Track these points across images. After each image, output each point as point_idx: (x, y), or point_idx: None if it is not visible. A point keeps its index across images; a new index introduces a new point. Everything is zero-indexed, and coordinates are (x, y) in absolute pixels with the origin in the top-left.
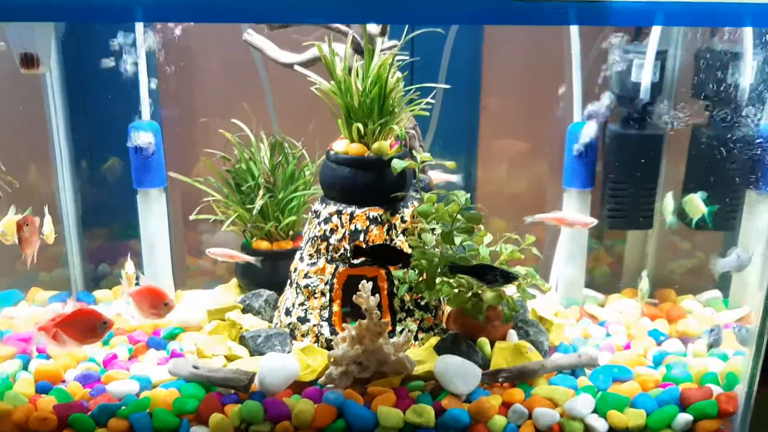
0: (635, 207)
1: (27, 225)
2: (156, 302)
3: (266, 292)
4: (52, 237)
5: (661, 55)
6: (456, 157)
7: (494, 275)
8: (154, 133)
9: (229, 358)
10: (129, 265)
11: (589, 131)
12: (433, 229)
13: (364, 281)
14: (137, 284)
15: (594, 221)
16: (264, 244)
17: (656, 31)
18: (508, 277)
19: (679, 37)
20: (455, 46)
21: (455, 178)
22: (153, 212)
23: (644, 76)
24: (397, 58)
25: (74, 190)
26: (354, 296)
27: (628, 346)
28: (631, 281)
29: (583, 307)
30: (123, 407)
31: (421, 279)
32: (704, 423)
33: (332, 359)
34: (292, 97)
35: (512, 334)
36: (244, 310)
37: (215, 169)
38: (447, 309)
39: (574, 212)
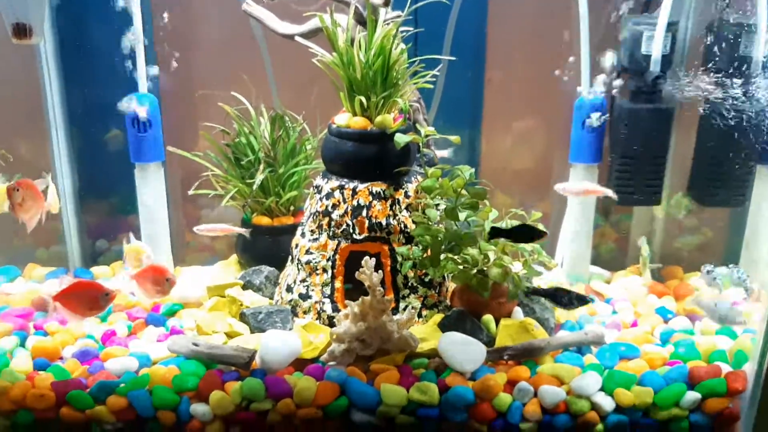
0: (643, 182)
1: (18, 190)
2: (158, 279)
3: (267, 269)
4: (57, 206)
5: (672, 27)
6: (460, 131)
7: (569, 298)
8: (151, 105)
9: (230, 335)
10: (134, 241)
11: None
12: (437, 205)
13: (367, 257)
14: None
15: (612, 194)
16: (264, 220)
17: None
18: (584, 300)
19: (690, 8)
20: (459, 18)
21: (447, 153)
22: (151, 187)
23: (655, 47)
24: (401, 29)
25: (71, 164)
26: (357, 273)
27: (635, 324)
28: (637, 257)
29: (589, 284)
30: (122, 384)
31: (425, 255)
32: (712, 401)
33: (335, 336)
34: (293, 70)
35: (518, 311)
36: (245, 287)
37: (214, 143)
38: (451, 286)
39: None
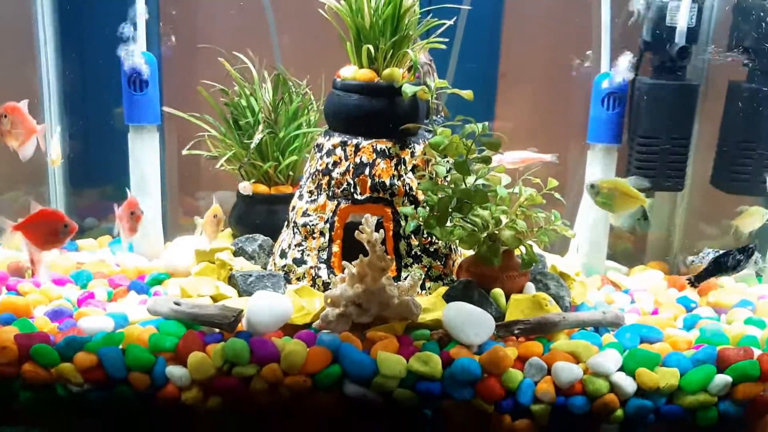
0: (664, 165)
1: (6, 116)
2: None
3: (261, 237)
4: (59, 160)
5: None
6: (473, 116)
7: (733, 259)
8: (150, 64)
9: (216, 299)
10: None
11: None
12: (447, 162)
13: (367, 215)
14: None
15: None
16: (261, 188)
17: None
18: (748, 251)
19: None
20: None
21: (550, 158)
22: (145, 150)
23: (681, 17)
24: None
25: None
26: (356, 232)
27: (655, 312)
28: (656, 255)
29: (606, 275)
30: (92, 341)
31: (431, 214)
32: (744, 386)
33: (329, 300)
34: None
35: (530, 286)
36: (236, 254)
37: (212, 101)
38: (458, 259)
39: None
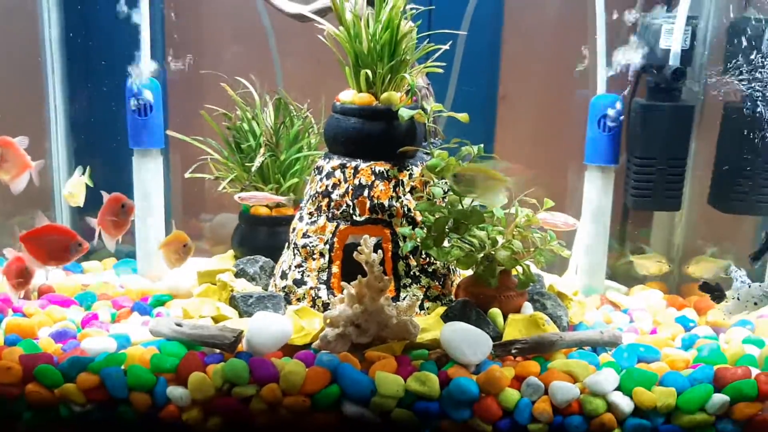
0: (662, 186)
1: None
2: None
3: (262, 259)
4: (77, 199)
5: (692, 21)
6: (472, 140)
7: None
8: (154, 91)
9: (217, 320)
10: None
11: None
12: (444, 184)
13: (366, 236)
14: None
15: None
16: (263, 210)
17: None
18: None
19: (711, 6)
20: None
21: (574, 224)
22: (149, 174)
23: (674, 40)
24: (411, 7)
25: (68, 154)
26: (354, 252)
27: (654, 332)
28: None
29: (605, 294)
30: (95, 362)
31: (428, 235)
32: (742, 405)
33: (328, 320)
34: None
35: (527, 306)
36: (238, 275)
37: (214, 125)
38: (456, 280)
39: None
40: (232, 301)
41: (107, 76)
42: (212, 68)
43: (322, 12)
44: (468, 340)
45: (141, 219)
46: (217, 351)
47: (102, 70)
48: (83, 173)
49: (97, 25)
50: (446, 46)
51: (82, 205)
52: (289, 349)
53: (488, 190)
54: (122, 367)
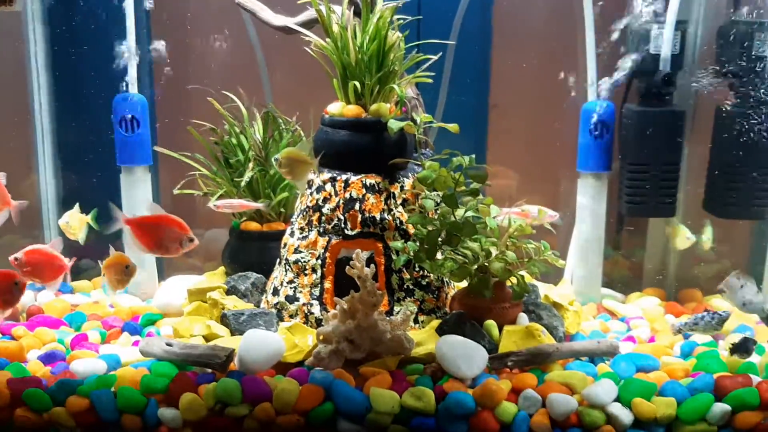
0: (656, 192)
1: None
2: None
3: (254, 275)
4: (75, 233)
5: (681, 25)
6: (464, 150)
7: None
8: (140, 105)
9: (208, 338)
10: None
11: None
12: (436, 196)
13: (358, 251)
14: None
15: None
16: (253, 225)
17: None
18: None
19: (701, 9)
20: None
21: (557, 217)
22: (137, 191)
23: (664, 45)
24: (399, 17)
25: (55, 172)
26: (347, 267)
27: (652, 340)
28: (653, 281)
29: (601, 303)
30: (84, 384)
31: (421, 248)
32: (744, 415)
33: (321, 336)
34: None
35: (523, 317)
36: (229, 292)
37: (203, 141)
38: (451, 292)
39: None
40: (224, 319)
41: (94, 93)
42: (200, 83)
43: (309, 24)
44: (463, 354)
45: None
46: (209, 370)
47: (89, 86)
48: (88, 214)
49: (83, 41)
50: (436, 57)
51: (82, 242)
52: (282, 367)
53: (301, 172)
54: (112, 389)
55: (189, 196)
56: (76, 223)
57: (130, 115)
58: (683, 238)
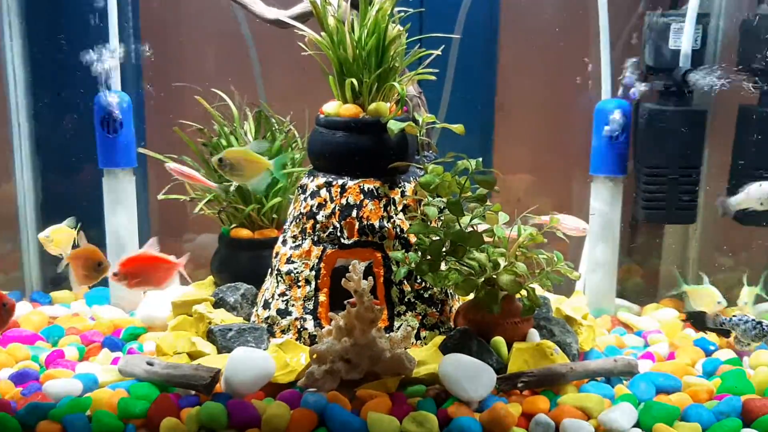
0: (674, 197)
1: None
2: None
3: (244, 286)
4: (58, 248)
5: (702, 19)
6: (470, 151)
7: None
8: (123, 103)
9: (193, 356)
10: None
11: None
12: (439, 202)
13: (355, 262)
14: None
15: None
16: (244, 232)
17: None
18: None
19: (723, 2)
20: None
21: (585, 229)
22: (120, 196)
23: (684, 40)
24: (400, 9)
25: (33, 174)
26: (343, 280)
27: (671, 356)
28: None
29: (616, 315)
30: (57, 408)
31: (423, 259)
32: None
33: (315, 355)
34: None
35: (533, 333)
36: (217, 305)
37: (190, 143)
38: (456, 305)
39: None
40: (210, 335)
41: (75, 91)
42: (191, 80)
43: (303, 17)
44: (469, 374)
45: (113, 242)
46: (193, 392)
47: (69, 85)
48: (77, 228)
49: (63, 34)
50: (439, 52)
51: (64, 257)
52: (272, 388)
53: (253, 173)
54: (87, 412)
55: (181, 201)
56: (61, 238)
57: (112, 115)
58: (712, 302)
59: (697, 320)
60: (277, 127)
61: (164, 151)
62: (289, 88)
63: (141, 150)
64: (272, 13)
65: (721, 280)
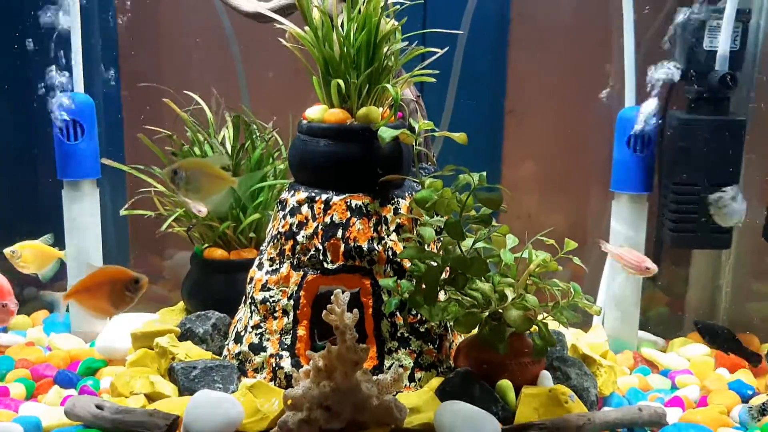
0: (707, 218)
1: None
2: None
3: (216, 315)
4: (32, 266)
5: (742, 15)
6: (477, 162)
7: None
8: (85, 107)
9: (151, 397)
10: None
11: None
12: (438, 223)
13: (338, 291)
14: None
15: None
16: (218, 253)
17: None
18: None
19: None
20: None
21: (653, 269)
22: (82, 211)
23: (722, 39)
24: (396, 0)
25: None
26: (324, 312)
27: (703, 402)
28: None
29: (639, 351)
30: None
31: (418, 288)
32: None
33: (289, 401)
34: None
35: (546, 376)
36: (183, 337)
37: (159, 152)
38: (457, 340)
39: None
40: (171, 374)
41: (32, 91)
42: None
43: (286, 10)
44: (470, 426)
45: (74, 263)
46: None
47: (25, 84)
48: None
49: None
50: (442, 51)
51: (43, 277)
52: None
53: (213, 189)
54: None
55: (145, 217)
56: (30, 253)
57: (72, 120)
58: None
59: (707, 332)
60: (258, 134)
61: (144, 162)
62: (277, 90)
63: (104, 160)
64: (250, 5)
65: (756, 310)
